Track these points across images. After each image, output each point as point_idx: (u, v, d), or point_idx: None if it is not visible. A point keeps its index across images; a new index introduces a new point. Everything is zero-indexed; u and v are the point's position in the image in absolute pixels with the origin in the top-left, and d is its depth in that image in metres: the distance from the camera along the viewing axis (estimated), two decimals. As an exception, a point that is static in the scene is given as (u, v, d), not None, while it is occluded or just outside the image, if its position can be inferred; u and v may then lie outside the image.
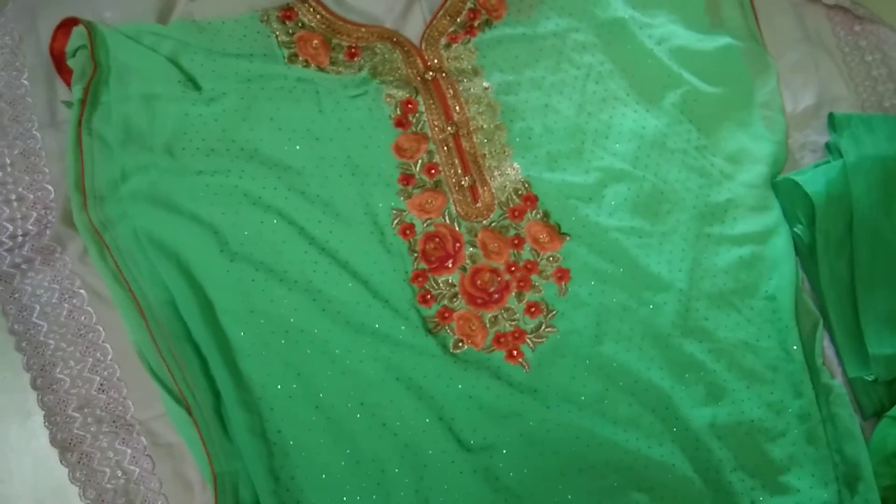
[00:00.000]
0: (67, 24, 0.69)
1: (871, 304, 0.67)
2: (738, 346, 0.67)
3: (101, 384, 0.63)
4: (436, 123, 0.71)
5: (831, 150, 0.74)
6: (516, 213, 0.69)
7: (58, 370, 0.63)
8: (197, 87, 0.68)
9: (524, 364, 0.65)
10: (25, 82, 0.71)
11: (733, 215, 0.71)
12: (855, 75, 0.78)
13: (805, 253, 0.70)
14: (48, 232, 0.66)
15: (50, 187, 0.68)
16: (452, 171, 0.70)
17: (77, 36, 0.68)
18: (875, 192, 0.69)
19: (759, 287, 0.69)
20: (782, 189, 0.71)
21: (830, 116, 0.74)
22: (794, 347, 0.67)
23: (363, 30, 0.73)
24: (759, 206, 0.71)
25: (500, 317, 0.66)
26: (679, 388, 0.65)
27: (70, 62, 0.68)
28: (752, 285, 0.69)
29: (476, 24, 0.75)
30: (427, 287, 0.67)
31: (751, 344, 0.67)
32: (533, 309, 0.67)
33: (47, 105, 0.70)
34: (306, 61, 0.71)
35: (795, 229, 0.70)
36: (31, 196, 0.68)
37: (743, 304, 0.68)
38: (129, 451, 0.62)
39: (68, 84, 0.69)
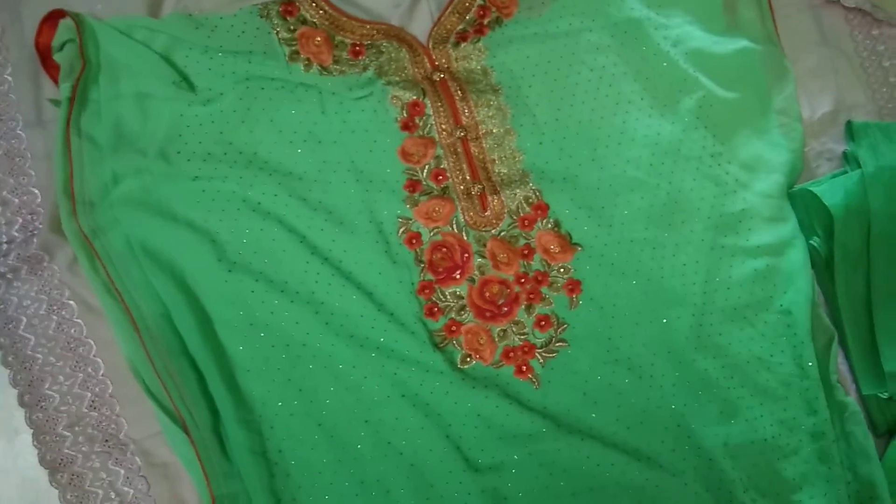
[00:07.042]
0: (54, 17, 0.65)
1: (887, 321, 0.66)
2: (751, 362, 0.65)
3: (93, 401, 0.61)
4: (444, 127, 0.68)
5: (849, 159, 0.72)
6: (526, 223, 0.67)
7: (46, 386, 0.61)
8: (192, 87, 0.65)
9: (534, 380, 0.63)
10: (9, 77, 0.67)
11: (748, 226, 0.69)
12: (872, 82, 0.76)
13: (821, 266, 0.68)
14: (35, 239, 0.63)
15: (36, 191, 0.65)
16: (461, 177, 0.67)
17: (64, 29, 0.64)
18: (894, 204, 0.67)
19: (774, 301, 0.67)
20: (799, 200, 0.69)
21: (848, 124, 0.72)
22: (809, 363, 0.65)
23: (368, 27, 0.70)
24: (775, 217, 0.69)
25: (509, 330, 0.64)
26: (692, 406, 0.64)
27: (57, 57, 0.65)
28: (766, 299, 0.67)
29: (486, 21, 0.71)
30: (434, 299, 0.64)
31: (764, 359, 0.66)
32: (543, 322, 0.65)
33: (33, 102, 0.67)
34: (308, 59, 0.68)
35: (812, 242, 0.68)
36: (17, 200, 0.65)
37: (757, 318, 0.67)
38: (122, 471, 0.60)
39: (55, 80, 0.66)
